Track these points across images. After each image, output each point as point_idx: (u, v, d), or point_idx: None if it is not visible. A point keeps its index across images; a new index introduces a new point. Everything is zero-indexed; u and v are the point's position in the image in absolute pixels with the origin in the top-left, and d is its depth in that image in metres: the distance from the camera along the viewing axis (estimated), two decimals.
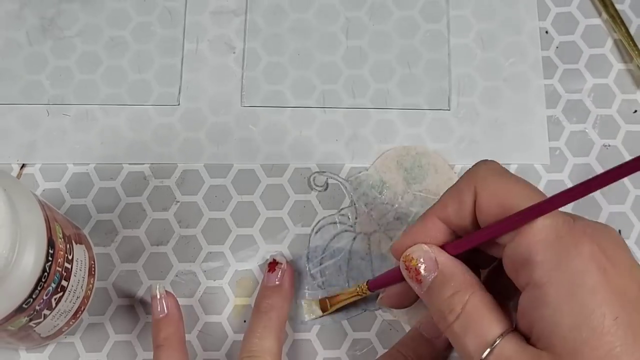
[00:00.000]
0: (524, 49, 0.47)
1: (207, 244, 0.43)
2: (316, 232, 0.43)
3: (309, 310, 0.41)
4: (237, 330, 0.41)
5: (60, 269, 0.36)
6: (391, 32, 0.47)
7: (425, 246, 0.32)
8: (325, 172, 0.44)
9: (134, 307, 0.42)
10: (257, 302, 0.40)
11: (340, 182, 0.44)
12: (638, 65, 0.45)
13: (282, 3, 0.48)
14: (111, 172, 0.44)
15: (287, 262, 0.41)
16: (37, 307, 0.35)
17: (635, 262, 0.29)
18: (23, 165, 0.44)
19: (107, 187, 0.44)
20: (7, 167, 0.44)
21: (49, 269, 0.34)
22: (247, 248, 0.43)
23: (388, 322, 0.41)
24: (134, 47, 0.47)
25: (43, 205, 0.35)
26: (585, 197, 0.27)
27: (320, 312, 0.41)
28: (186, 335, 0.41)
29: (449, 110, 0.45)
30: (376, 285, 0.38)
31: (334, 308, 0.41)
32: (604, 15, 0.47)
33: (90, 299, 0.41)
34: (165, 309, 0.39)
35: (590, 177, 0.26)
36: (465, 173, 0.32)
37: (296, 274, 0.42)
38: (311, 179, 0.44)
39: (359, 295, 0.39)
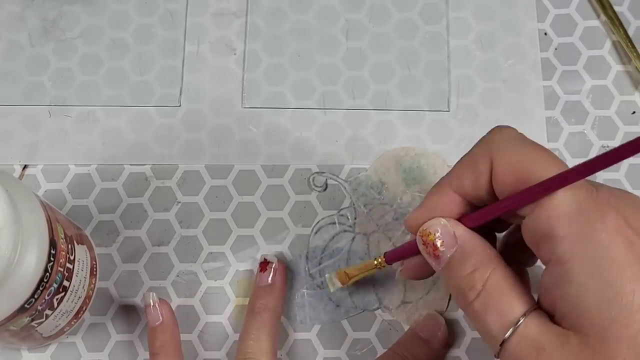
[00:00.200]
0: (523, 51, 0.47)
1: (208, 245, 0.43)
2: (315, 233, 0.43)
3: (331, 282, 0.40)
4: (238, 330, 0.41)
5: (62, 269, 0.36)
6: (391, 34, 0.47)
7: (443, 220, 0.30)
8: (325, 172, 0.44)
9: (136, 307, 0.42)
10: (250, 303, 0.40)
11: (340, 183, 0.44)
12: (636, 67, 0.45)
13: (282, 5, 0.48)
14: (113, 173, 0.44)
15: (278, 260, 0.41)
16: (39, 307, 0.35)
17: None
18: (25, 166, 0.45)
19: (109, 187, 0.44)
20: (9, 168, 0.44)
21: (51, 269, 0.34)
22: (248, 248, 0.43)
23: (388, 322, 0.42)
24: (135, 48, 0.47)
25: (45, 206, 0.35)
26: None
27: (339, 285, 0.40)
28: (187, 335, 0.41)
29: (449, 111, 0.46)
30: (393, 257, 0.36)
31: (352, 280, 0.39)
32: (603, 17, 0.47)
33: (92, 299, 0.41)
34: (160, 316, 0.39)
35: (618, 145, 0.25)
36: (479, 141, 0.30)
37: (289, 272, 0.42)
38: (311, 180, 0.44)
39: (377, 267, 0.38)
